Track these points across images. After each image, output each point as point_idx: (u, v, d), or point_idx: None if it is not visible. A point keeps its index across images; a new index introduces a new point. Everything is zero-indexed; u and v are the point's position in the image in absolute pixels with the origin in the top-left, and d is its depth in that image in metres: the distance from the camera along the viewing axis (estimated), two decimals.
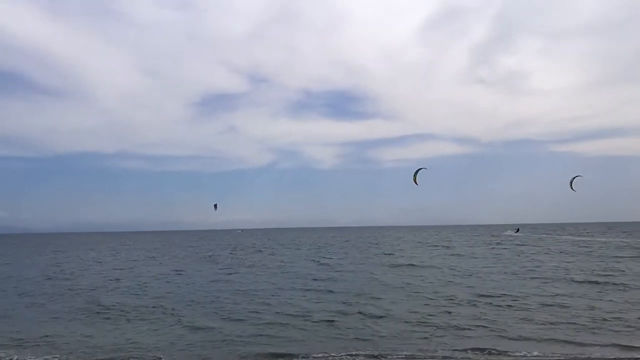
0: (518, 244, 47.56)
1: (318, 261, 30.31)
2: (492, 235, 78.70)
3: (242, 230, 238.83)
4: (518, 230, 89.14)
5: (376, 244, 51.95)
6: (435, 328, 11.26)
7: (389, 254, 35.96)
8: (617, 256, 29.60)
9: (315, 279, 20.75)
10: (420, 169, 32.64)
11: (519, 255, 32.05)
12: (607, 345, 9.54)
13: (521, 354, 9.00)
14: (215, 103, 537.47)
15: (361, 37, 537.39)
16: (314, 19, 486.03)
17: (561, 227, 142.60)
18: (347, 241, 61.02)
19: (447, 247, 44.33)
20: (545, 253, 34.14)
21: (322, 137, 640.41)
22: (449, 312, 12.99)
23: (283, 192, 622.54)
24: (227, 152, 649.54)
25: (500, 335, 10.50)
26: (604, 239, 53.68)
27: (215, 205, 59.07)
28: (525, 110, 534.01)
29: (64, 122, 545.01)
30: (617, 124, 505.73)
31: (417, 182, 33.00)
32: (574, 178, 43.07)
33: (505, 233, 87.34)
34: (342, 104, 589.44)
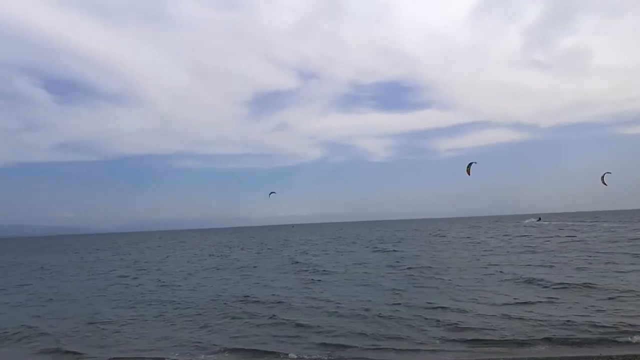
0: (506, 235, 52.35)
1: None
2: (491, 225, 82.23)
3: (294, 225, 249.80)
4: (540, 219, 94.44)
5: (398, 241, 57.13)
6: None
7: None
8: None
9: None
10: (472, 163, 36.09)
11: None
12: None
13: None
14: (266, 101, 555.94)
15: (409, 25, 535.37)
16: (360, 9, 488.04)
17: (612, 215, 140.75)
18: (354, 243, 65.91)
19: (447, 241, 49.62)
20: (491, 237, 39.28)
21: (374, 129, 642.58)
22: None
23: (336, 186, 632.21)
24: (279, 149, 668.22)
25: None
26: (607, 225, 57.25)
27: (272, 193, 63.75)
28: (585, 92, 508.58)
29: (123, 125, 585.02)
30: None
31: (470, 173, 36.08)
32: (604, 174, 47.71)
33: (525, 222, 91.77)
34: (393, 94, 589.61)
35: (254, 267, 27.13)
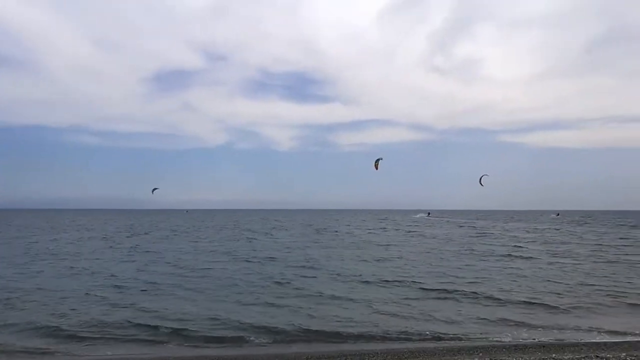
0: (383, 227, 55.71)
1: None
2: (380, 219, 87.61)
3: (188, 210, 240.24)
4: (429, 214, 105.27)
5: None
6: None
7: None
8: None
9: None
10: (379, 159, 36.56)
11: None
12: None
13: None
14: (170, 79, 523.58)
15: (322, 19, 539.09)
16: None
17: (491, 214, 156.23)
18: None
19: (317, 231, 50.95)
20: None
21: (281, 118, 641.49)
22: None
23: (239, 173, 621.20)
24: (182, 130, 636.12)
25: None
26: (483, 223, 63.55)
27: (155, 189, 62.00)
28: (477, 100, 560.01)
29: (10, 91, 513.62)
30: (562, 116, 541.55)
31: (377, 168, 36.48)
32: (482, 176, 51.35)
33: (416, 216, 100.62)
34: (301, 85, 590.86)
35: (94, 251, 24.76)
